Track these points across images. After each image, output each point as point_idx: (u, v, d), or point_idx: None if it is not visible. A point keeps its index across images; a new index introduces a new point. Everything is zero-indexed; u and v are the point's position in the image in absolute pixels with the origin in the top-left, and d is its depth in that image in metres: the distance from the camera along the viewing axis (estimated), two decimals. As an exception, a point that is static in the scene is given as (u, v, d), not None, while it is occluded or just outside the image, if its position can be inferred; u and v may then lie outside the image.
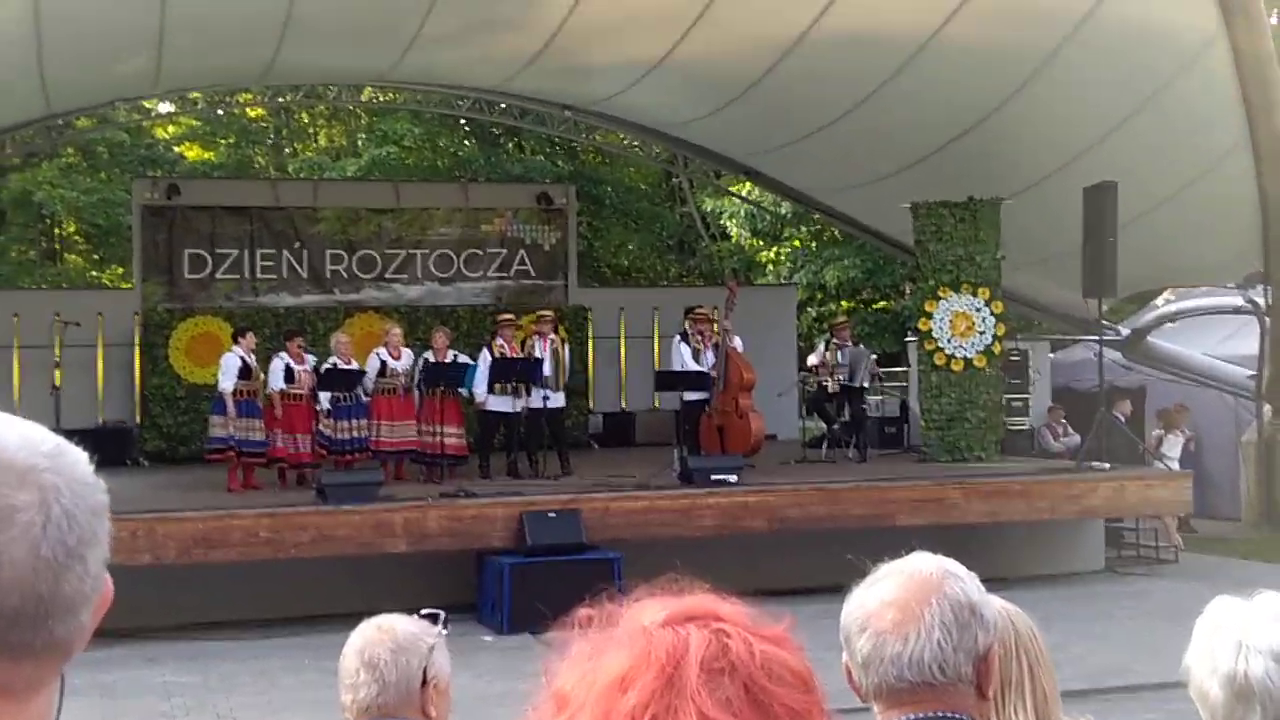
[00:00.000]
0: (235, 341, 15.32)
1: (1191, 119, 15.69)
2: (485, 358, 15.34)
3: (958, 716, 1.97)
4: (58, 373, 16.23)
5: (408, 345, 15.90)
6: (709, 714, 1.26)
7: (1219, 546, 17.42)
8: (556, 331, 16.37)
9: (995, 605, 2.47)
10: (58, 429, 1.26)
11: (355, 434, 14.99)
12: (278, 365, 14.88)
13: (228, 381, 14.69)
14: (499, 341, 15.59)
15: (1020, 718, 2.81)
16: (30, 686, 1.18)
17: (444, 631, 2.99)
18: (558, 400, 15.73)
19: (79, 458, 1.22)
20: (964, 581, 2.01)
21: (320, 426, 15.09)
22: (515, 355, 15.54)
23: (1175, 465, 17.59)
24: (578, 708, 1.31)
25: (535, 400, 15.32)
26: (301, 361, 15.03)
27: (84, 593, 1.18)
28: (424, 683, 2.88)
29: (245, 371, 14.77)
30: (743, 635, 1.32)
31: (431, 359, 15.31)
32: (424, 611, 3.02)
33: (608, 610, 1.39)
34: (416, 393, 15.24)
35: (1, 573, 1.13)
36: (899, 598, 1.97)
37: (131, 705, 10.06)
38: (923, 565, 2.03)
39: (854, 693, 2.02)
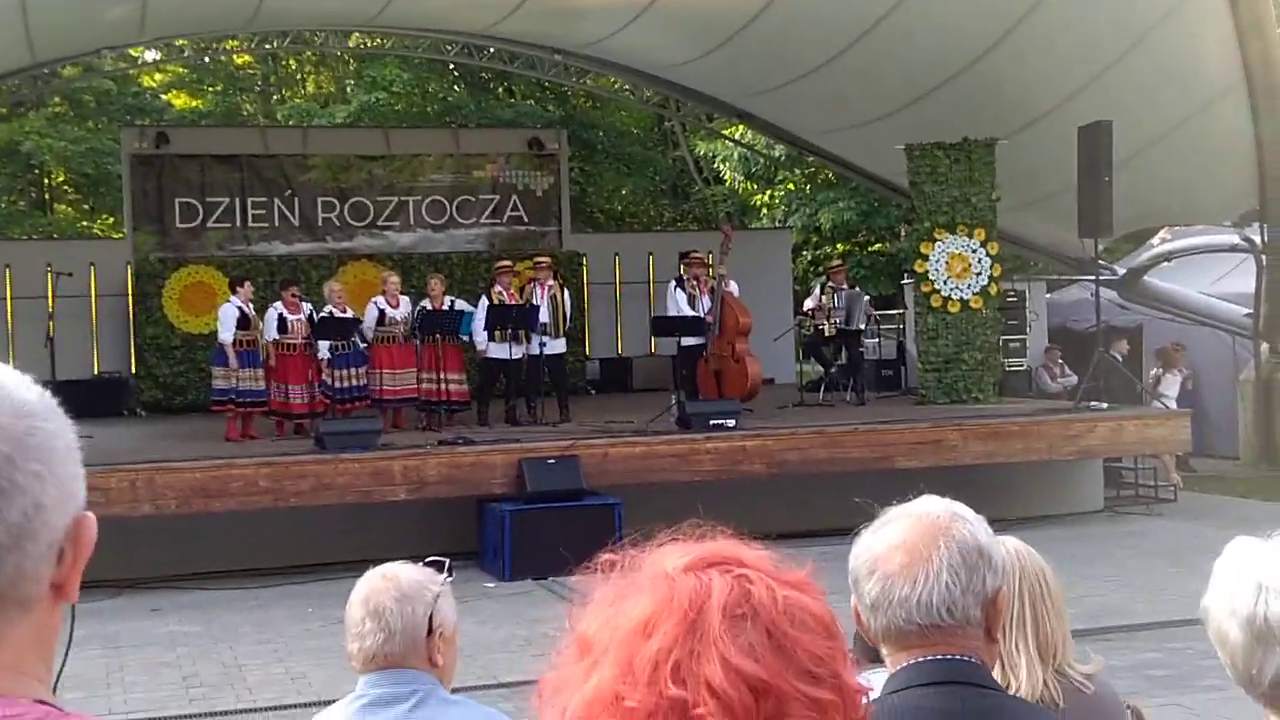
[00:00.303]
0: (233, 291, 15.30)
1: (1186, 56, 15.61)
2: (483, 304, 15.32)
3: (966, 658, 1.97)
4: (51, 324, 16.19)
5: (404, 293, 15.86)
6: (731, 660, 1.26)
7: (1217, 485, 17.47)
8: (555, 278, 16.31)
9: (1008, 545, 2.45)
10: (52, 381, 1.22)
11: (355, 382, 14.97)
12: (271, 315, 14.86)
13: (227, 333, 14.68)
14: (497, 288, 15.56)
15: (1020, 654, 2.80)
16: None
17: (449, 579, 2.98)
18: (557, 346, 15.72)
19: (7, 402, 1.18)
20: (972, 524, 2.02)
21: (323, 376, 15.07)
22: (513, 302, 15.50)
23: (1173, 404, 17.60)
24: (601, 653, 1.31)
25: (533, 347, 15.31)
26: (296, 311, 14.98)
27: None
28: (430, 631, 2.87)
29: (244, 321, 14.75)
30: (765, 581, 1.31)
31: (429, 306, 15.27)
32: (428, 559, 3.01)
33: (630, 555, 1.38)
34: (416, 340, 15.22)
35: None
36: (907, 540, 1.98)
37: (136, 655, 10.08)
38: (931, 508, 2.03)
39: (862, 635, 2.02)
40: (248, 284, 15.29)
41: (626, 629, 1.30)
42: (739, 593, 1.29)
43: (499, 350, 15.31)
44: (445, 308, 15.31)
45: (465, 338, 15.34)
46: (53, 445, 1.19)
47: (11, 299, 19.41)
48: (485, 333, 15.22)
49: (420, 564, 2.98)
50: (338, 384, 14.95)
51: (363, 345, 15.07)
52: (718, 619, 1.27)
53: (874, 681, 2.01)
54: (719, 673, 1.25)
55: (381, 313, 15.13)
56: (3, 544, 1.15)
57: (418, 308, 15.38)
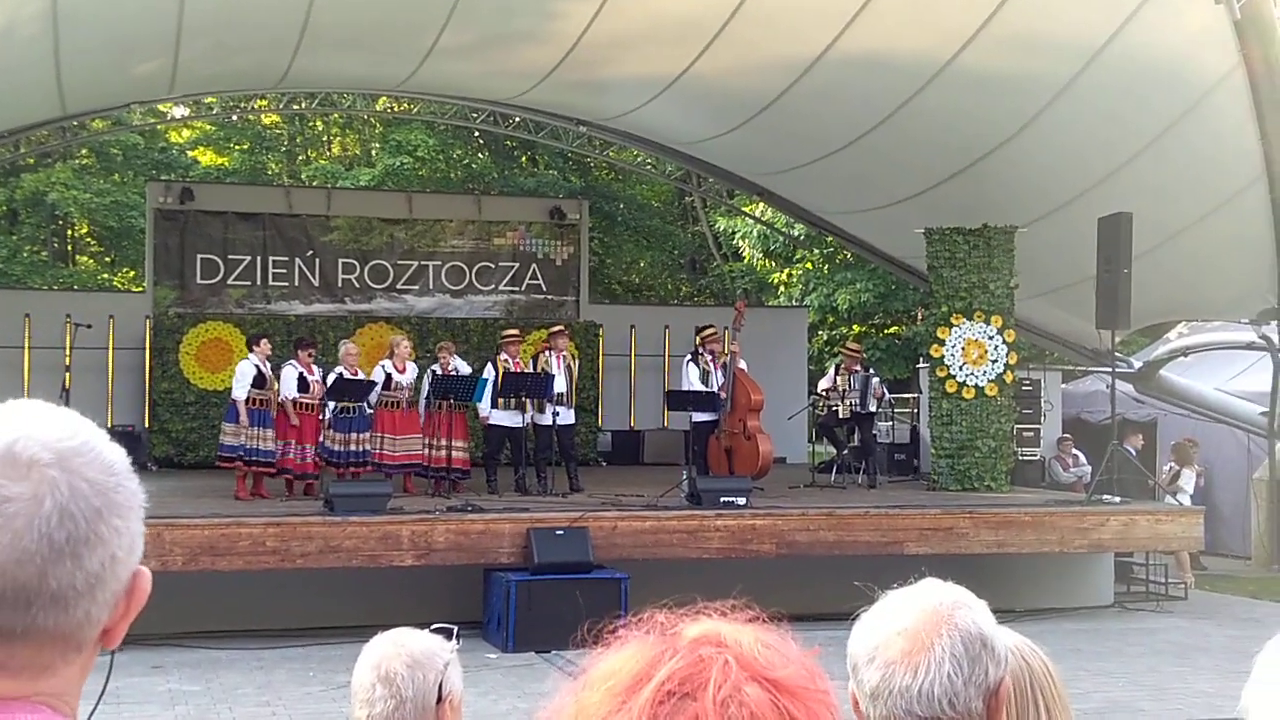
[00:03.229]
0: (250, 349, 15.30)
1: (1208, 151, 15.66)
2: (490, 373, 15.31)
3: (964, 752, 1.92)
4: (67, 375, 16.23)
5: (416, 358, 15.86)
6: None
7: (1228, 585, 17.35)
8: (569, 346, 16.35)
9: (1010, 641, 2.41)
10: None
11: (356, 447, 14.90)
12: (290, 374, 14.85)
13: (241, 390, 14.66)
14: (503, 356, 15.57)
15: (1037, 759, 2.75)
16: (29, 669, 1.24)
17: (457, 646, 2.96)
18: (568, 416, 15.70)
19: (101, 459, 1.27)
20: (975, 612, 1.96)
21: (321, 438, 15.02)
22: (521, 370, 15.50)
23: (1187, 500, 17.52)
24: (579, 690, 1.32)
25: (546, 416, 15.28)
26: (313, 371, 15.01)
27: (75, 588, 1.23)
28: (439, 699, 2.85)
29: (259, 380, 14.74)
30: (727, 668, 1.27)
31: (439, 371, 15.28)
32: (435, 626, 2.99)
33: (662, 619, 1.36)
34: (423, 405, 15.20)
35: None
36: (909, 627, 1.92)
37: (135, 712, 10.01)
38: (933, 594, 1.98)
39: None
40: (265, 342, 15.24)
41: (591, 677, 1.31)
42: (686, 672, 1.26)
43: (503, 418, 15.30)
44: (453, 373, 15.30)
45: (475, 404, 15.34)
46: (131, 503, 1.29)
47: (30, 349, 19.48)
48: (488, 401, 15.19)
49: (427, 630, 2.97)
50: (337, 447, 14.88)
51: (368, 410, 15.05)
52: (652, 690, 1.25)
53: None
54: None
55: (389, 377, 15.11)
56: (80, 590, 1.24)
57: (428, 372, 15.38)
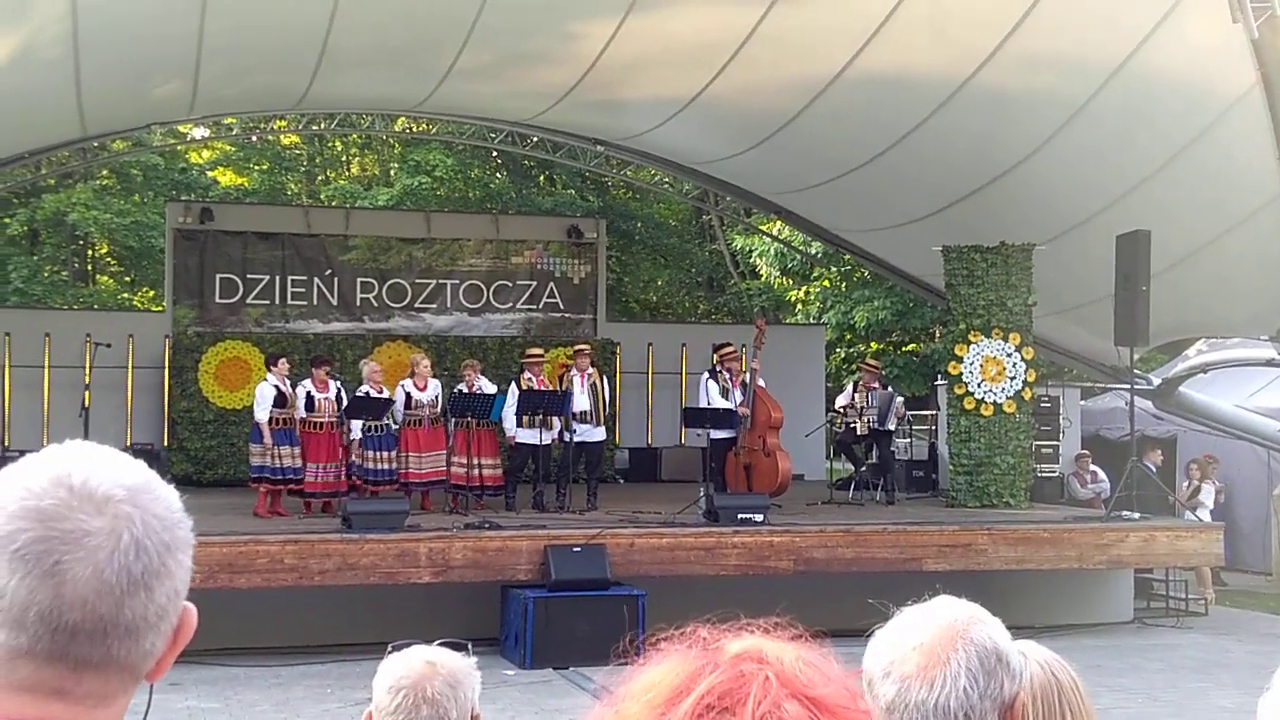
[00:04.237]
0: (269, 369, 15.36)
1: (1227, 170, 15.62)
2: (513, 391, 15.35)
3: (979, 766, 1.92)
4: (87, 394, 16.29)
5: (435, 375, 15.91)
6: None
7: (1249, 600, 17.28)
8: (593, 365, 16.38)
9: (1040, 655, 2.42)
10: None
11: (386, 465, 14.98)
12: (299, 393, 14.91)
13: (263, 411, 14.72)
14: (526, 375, 15.61)
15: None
16: (92, 697, 1.27)
17: (476, 662, 2.97)
18: (596, 434, 15.76)
19: (163, 496, 1.32)
20: (990, 627, 1.97)
21: (354, 457, 15.08)
22: (543, 388, 15.54)
23: (1207, 516, 17.45)
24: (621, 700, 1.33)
25: (565, 434, 15.30)
26: (324, 389, 15.02)
27: (147, 619, 1.27)
28: (474, 718, 2.85)
29: (280, 399, 14.79)
30: (767, 684, 1.28)
31: (464, 390, 15.32)
32: (441, 641, 2.99)
33: (705, 634, 1.37)
34: (450, 423, 15.22)
35: (64, 588, 1.23)
36: (924, 642, 1.92)
37: (152, 730, 10.03)
38: (949, 610, 1.99)
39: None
40: (283, 361, 15.32)
41: (633, 687, 1.32)
42: (726, 687, 1.27)
43: (528, 435, 15.33)
44: (476, 390, 15.36)
45: (496, 422, 15.36)
46: (189, 539, 1.34)
47: (50, 368, 19.55)
48: (514, 419, 15.23)
49: (436, 644, 2.96)
50: (370, 465, 14.96)
51: (394, 428, 15.10)
52: (692, 703, 1.26)
53: None
54: None
55: (409, 395, 15.15)
56: (150, 622, 1.28)
57: (454, 390, 15.42)
